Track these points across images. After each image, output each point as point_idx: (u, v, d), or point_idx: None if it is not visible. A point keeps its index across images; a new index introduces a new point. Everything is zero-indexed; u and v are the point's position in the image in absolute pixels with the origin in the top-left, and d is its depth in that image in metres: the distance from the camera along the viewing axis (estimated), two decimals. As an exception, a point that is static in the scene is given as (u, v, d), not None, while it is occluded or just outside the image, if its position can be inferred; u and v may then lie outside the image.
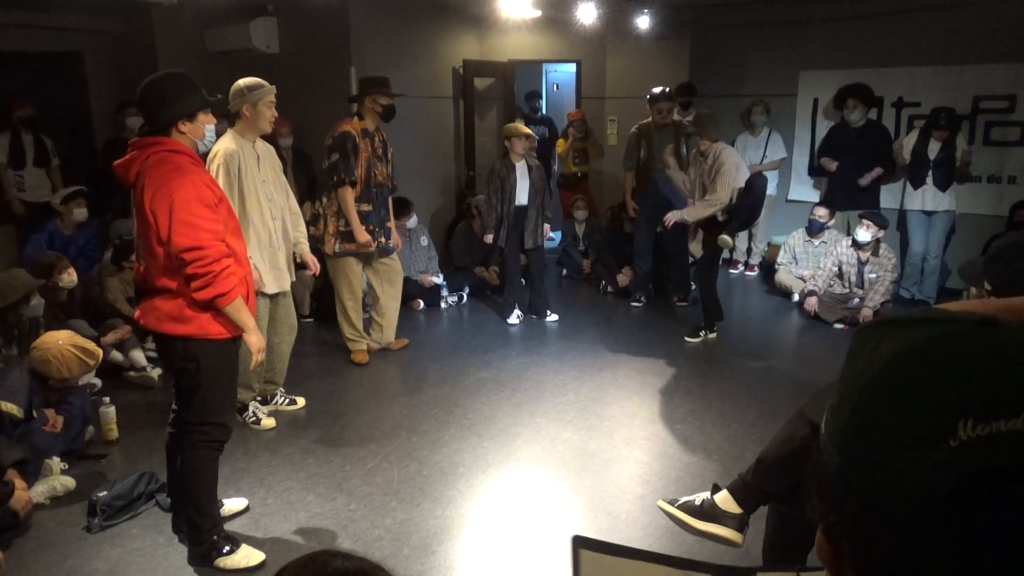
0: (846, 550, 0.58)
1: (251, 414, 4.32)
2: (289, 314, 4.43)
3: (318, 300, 6.31)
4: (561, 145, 8.09)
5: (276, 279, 4.16)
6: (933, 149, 6.35)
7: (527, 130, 5.98)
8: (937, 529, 0.52)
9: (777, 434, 2.57)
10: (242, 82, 3.98)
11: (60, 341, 3.76)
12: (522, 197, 5.99)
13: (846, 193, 6.80)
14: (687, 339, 5.75)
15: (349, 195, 4.93)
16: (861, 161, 6.70)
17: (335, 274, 5.20)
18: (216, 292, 2.75)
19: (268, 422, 4.32)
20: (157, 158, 2.74)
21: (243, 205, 3.93)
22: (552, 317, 6.33)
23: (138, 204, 2.78)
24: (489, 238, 6.07)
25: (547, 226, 6.20)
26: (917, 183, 6.46)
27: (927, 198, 6.43)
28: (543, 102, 10.06)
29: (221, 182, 3.82)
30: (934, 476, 0.51)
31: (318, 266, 4.53)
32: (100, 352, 3.97)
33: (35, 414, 3.66)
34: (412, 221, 6.54)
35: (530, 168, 6.01)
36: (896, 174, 6.79)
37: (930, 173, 6.34)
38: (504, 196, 5.93)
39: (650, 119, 6.42)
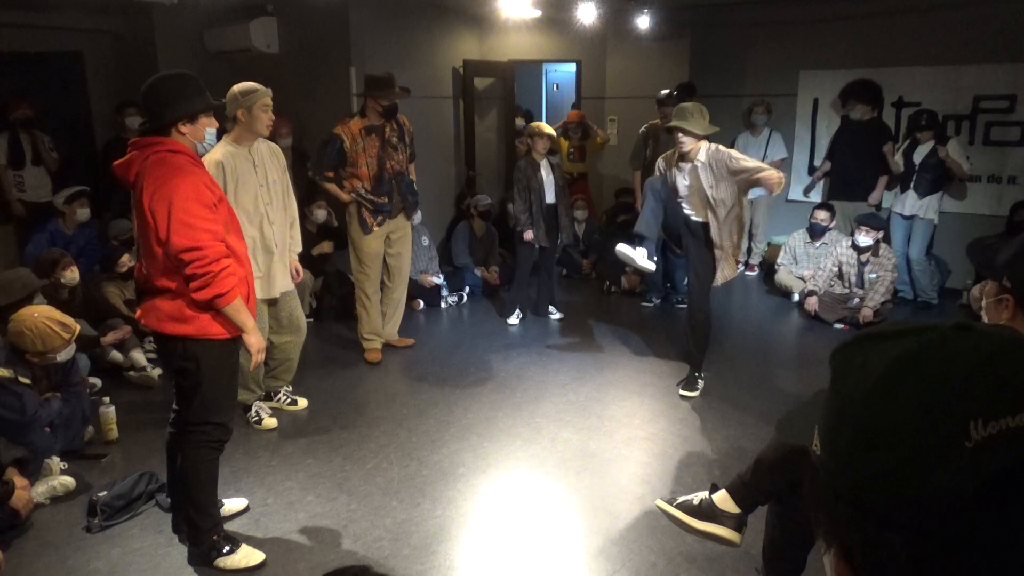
0: (867, 571, 0.57)
1: (254, 413, 4.32)
2: (296, 315, 4.36)
3: (318, 300, 6.32)
4: (563, 145, 8.07)
5: (262, 286, 4.00)
6: (920, 153, 6.35)
7: (550, 129, 5.96)
8: (965, 536, 0.52)
9: (775, 435, 2.57)
10: (236, 87, 3.94)
11: (36, 314, 3.71)
12: (550, 195, 6.01)
13: (846, 186, 6.83)
14: (684, 393, 4.70)
15: (330, 186, 5.14)
16: (864, 155, 6.71)
17: (357, 266, 5.25)
18: (215, 292, 2.75)
19: (270, 422, 4.33)
20: (156, 158, 2.74)
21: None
22: (556, 315, 6.35)
23: (137, 204, 2.77)
24: (529, 235, 5.98)
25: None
26: (904, 187, 6.48)
27: (907, 202, 6.44)
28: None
29: None
30: (956, 481, 0.51)
31: (302, 275, 4.43)
32: (77, 327, 3.86)
33: (22, 380, 3.57)
34: (417, 217, 6.54)
35: (552, 167, 6.04)
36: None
37: (914, 178, 6.35)
38: (533, 195, 5.93)
39: (659, 120, 6.51)
